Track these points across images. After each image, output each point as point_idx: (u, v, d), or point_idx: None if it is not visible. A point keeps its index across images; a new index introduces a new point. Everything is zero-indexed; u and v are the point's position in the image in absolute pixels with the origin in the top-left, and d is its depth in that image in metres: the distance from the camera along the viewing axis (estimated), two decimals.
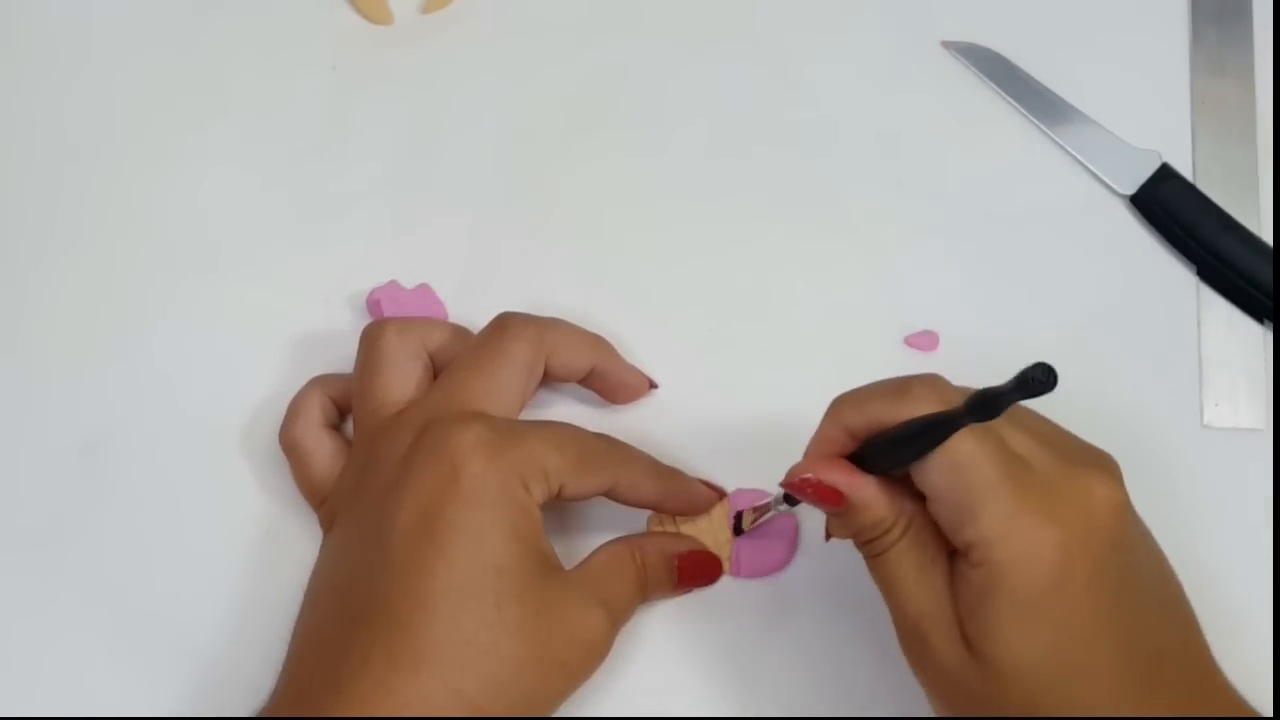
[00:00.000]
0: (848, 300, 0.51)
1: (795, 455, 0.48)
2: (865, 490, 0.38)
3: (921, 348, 0.50)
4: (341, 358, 0.49)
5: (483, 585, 0.39)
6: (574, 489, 0.42)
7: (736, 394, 0.49)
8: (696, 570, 0.45)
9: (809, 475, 0.39)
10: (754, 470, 0.48)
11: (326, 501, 0.45)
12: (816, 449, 0.40)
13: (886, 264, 0.52)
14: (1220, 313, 0.51)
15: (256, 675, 0.43)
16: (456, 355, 0.45)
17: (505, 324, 0.45)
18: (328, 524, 0.45)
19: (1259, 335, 0.50)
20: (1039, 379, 0.31)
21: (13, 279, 0.52)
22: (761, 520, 0.46)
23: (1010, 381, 0.32)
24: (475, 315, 0.50)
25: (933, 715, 0.40)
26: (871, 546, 0.39)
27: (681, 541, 0.46)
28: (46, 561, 0.48)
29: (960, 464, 0.36)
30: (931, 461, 0.36)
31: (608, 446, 0.44)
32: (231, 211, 0.53)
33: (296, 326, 0.51)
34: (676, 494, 0.45)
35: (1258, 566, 0.47)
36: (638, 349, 0.50)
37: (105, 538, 0.48)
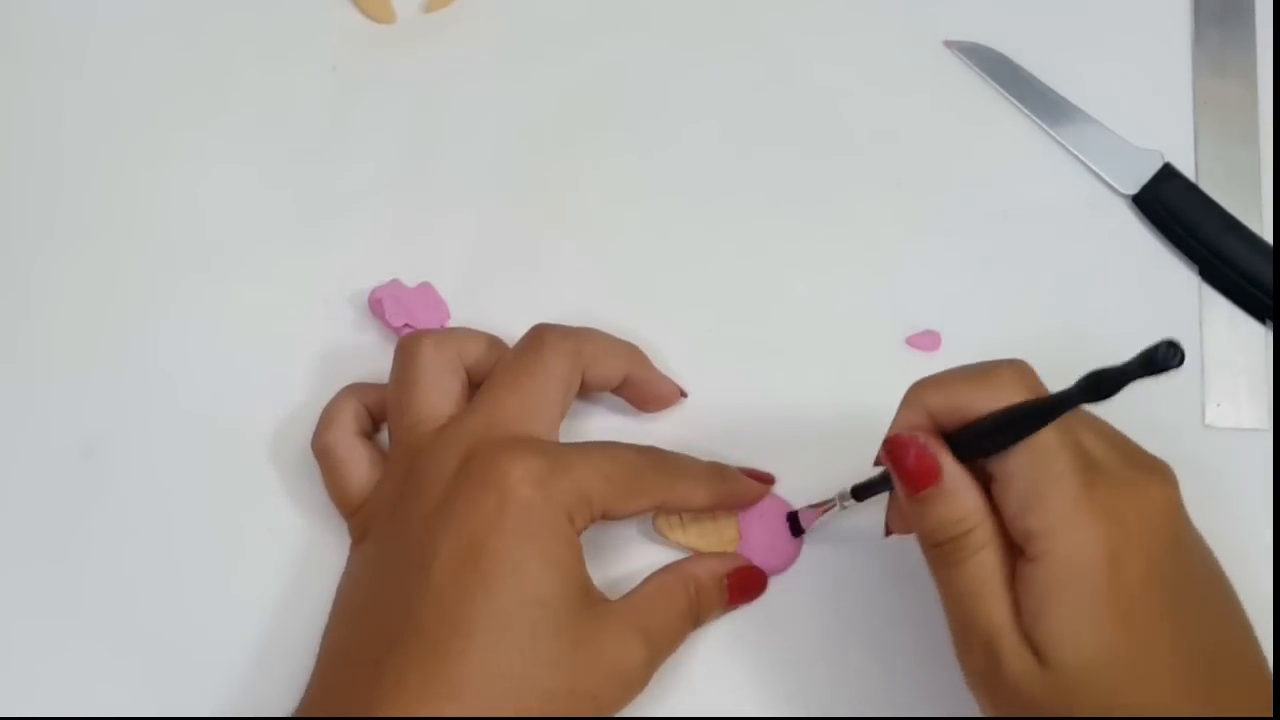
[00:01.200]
0: (849, 300, 0.51)
1: (798, 454, 0.48)
2: (959, 474, 0.37)
3: (923, 348, 0.50)
4: (343, 357, 0.49)
5: (521, 617, 0.39)
6: (618, 513, 0.42)
7: (738, 393, 0.49)
8: (746, 585, 0.45)
9: (917, 435, 0.37)
10: (764, 465, 0.48)
11: (360, 512, 0.45)
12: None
13: (888, 263, 0.52)
14: (1222, 313, 0.51)
15: (254, 679, 0.43)
16: (494, 370, 0.45)
17: (542, 337, 0.44)
18: (359, 535, 0.44)
19: (1261, 336, 0.50)
20: (1164, 356, 0.31)
21: (13, 278, 0.52)
22: (822, 517, 0.45)
23: (1133, 359, 0.31)
24: (477, 315, 0.50)
25: (929, 716, 0.40)
26: (953, 549, 0.37)
27: (726, 561, 0.45)
28: (48, 564, 0.47)
29: (1038, 449, 0.36)
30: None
31: (654, 467, 0.44)
32: (233, 211, 0.53)
33: (297, 326, 0.51)
34: (728, 497, 0.45)
35: (1259, 566, 0.47)
36: (641, 346, 0.50)
37: (106, 540, 0.48)
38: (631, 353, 0.47)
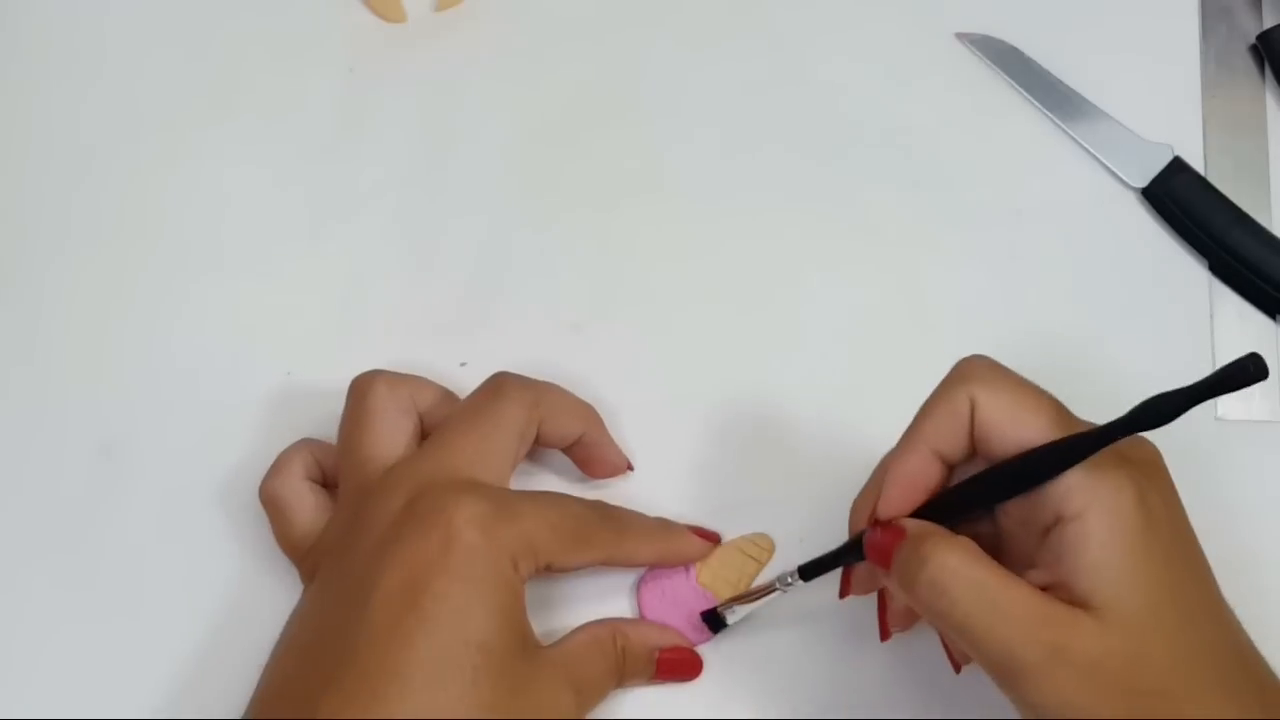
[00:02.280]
0: (861, 294, 0.51)
1: (812, 456, 0.48)
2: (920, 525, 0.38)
3: None
4: (350, 358, 0.49)
5: (463, 661, 0.38)
6: (563, 565, 0.42)
7: (752, 392, 0.49)
8: (676, 667, 0.45)
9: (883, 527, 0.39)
10: (768, 469, 0.48)
11: (309, 555, 0.44)
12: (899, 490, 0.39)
13: (899, 257, 0.52)
14: (1233, 306, 0.51)
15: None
16: (450, 414, 0.44)
17: (501, 386, 0.44)
18: (309, 577, 0.44)
19: (1272, 329, 0.51)
20: (1251, 370, 0.32)
21: (30, 279, 0.52)
22: (756, 606, 0.44)
23: (1208, 378, 0.33)
24: (487, 315, 0.51)
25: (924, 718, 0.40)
26: (934, 552, 0.37)
27: (666, 635, 0.45)
28: (65, 562, 0.48)
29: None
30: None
31: (601, 521, 0.44)
32: (247, 211, 0.53)
33: (312, 325, 0.51)
34: (671, 555, 0.45)
35: (1272, 558, 0.47)
36: (652, 346, 0.50)
37: (123, 538, 0.48)
38: (588, 412, 0.47)
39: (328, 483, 0.46)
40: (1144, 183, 0.52)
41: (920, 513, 0.39)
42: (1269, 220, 0.52)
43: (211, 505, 0.48)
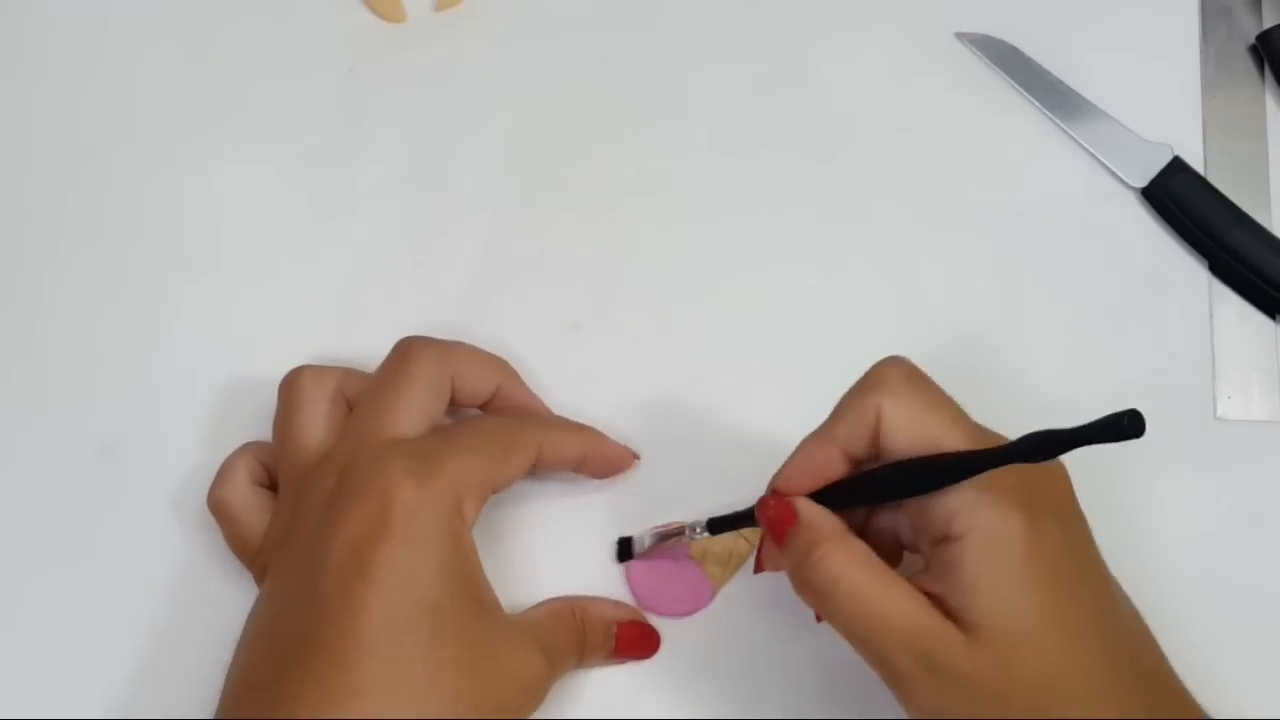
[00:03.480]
0: (860, 294, 0.51)
1: None
2: (814, 509, 0.39)
3: None
4: (352, 357, 0.49)
5: (419, 622, 0.38)
6: (504, 480, 0.42)
7: (750, 390, 0.49)
8: (634, 643, 0.45)
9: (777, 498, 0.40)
10: (770, 467, 0.48)
11: (259, 556, 0.44)
12: (799, 469, 0.41)
13: (899, 256, 0.52)
14: (1232, 306, 0.51)
15: None
16: (363, 387, 0.44)
17: (406, 348, 0.44)
18: (261, 578, 0.44)
19: (1271, 329, 0.51)
20: (1126, 425, 0.32)
21: (28, 279, 0.52)
22: (663, 546, 0.46)
23: (1089, 425, 0.32)
24: (487, 314, 0.51)
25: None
26: (821, 551, 0.38)
27: (622, 609, 0.46)
28: (64, 564, 0.48)
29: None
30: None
31: (521, 424, 0.45)
32: (247, 211, 0.53)
33: (310, 326, 0.51)
34: (597, 453, 0.46)
35: (1270, 555, 0.47)
36: (652, 346, 0.50)
37: (123, 540, 0.48)
38: (501, 365, 0.47)
39: (273, 483, 0.46)
40: (1144, 182, 0.52)
41: (816, 495, 0.40)
42: (1269, 220, 0.52)
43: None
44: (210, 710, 0.40)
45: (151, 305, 0.52)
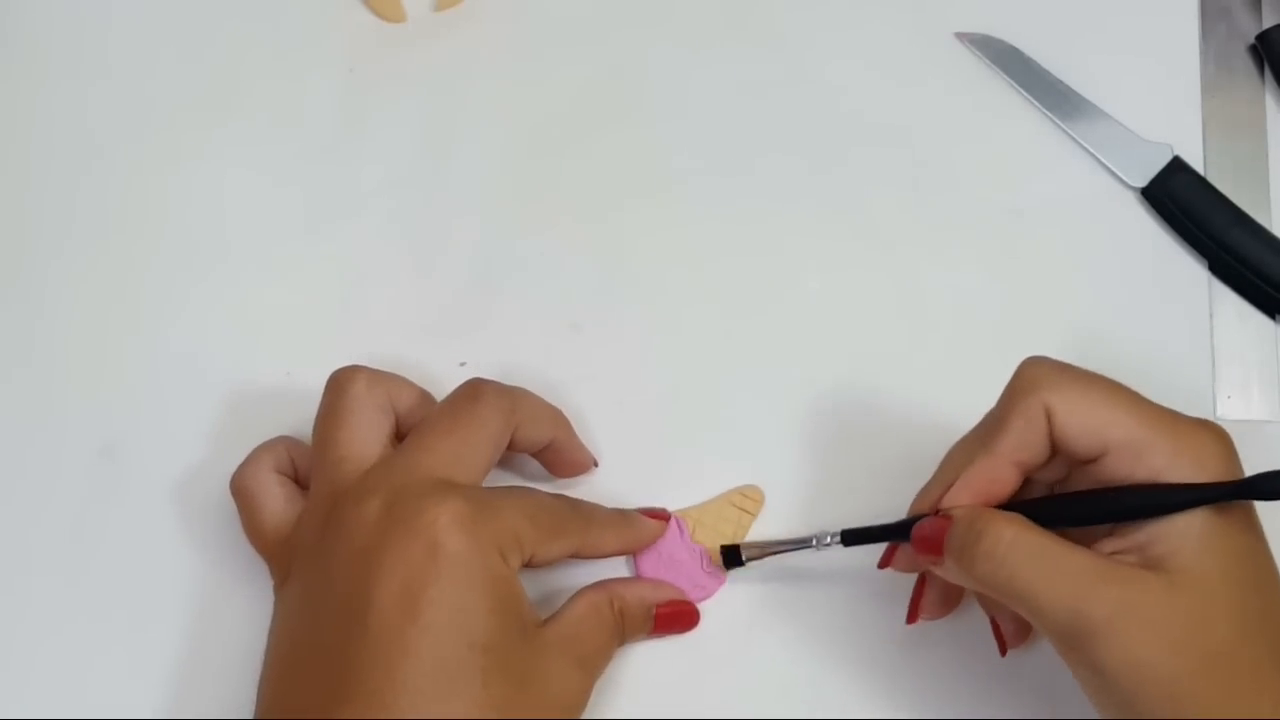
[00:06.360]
0: (860, 293, 0.51)
1: (815, 450, 0.48)
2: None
3: None
4: (353, 357, 0.49)
5: (470, 665, 0.38)
6: (543, 557, 0.42)
7: (752, 391, 0.49)
8: (674, 620, 0.45)
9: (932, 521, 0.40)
10: (772, 466, 0.48)
11: (280, 552, 0.43)
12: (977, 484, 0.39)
13: (899, 256, 0.52)
14: (1232, 306, 0.51)
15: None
16: (428, 417, 0.44)
17: (479, 390, 0.44)
18: (281, 576, 0.43)
19: (1271, 328, 0.51)
20: None
21: (31, 280, 0.53)
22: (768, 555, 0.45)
23: None
24: (487, 315, 0.51)
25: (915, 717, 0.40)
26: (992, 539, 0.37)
27: (660, 590, 0.45)
28: (66, 563, 0.48)
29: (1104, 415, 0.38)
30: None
31: (571, 511, 0.44)
32: (248, 211, 0.53)
33: (310, 326, 0.51)
34: (632, 542, 0.46)
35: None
36: (652, 346, 0.50)
37: (125, 539, 0.48)
38: (558, 418, 0.47)
39: (300, 480, 0.45)
40: (1144, 182, 0.52)
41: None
42: (1269, 220, 0.52)
43: (212, 505, 0.48)
44: (210, 708, 0.40)
45: (153, 305, 0.52)
